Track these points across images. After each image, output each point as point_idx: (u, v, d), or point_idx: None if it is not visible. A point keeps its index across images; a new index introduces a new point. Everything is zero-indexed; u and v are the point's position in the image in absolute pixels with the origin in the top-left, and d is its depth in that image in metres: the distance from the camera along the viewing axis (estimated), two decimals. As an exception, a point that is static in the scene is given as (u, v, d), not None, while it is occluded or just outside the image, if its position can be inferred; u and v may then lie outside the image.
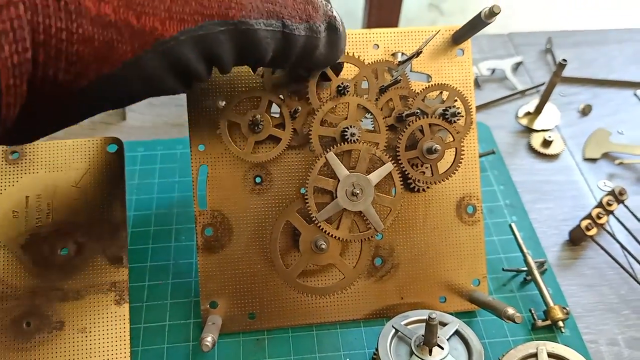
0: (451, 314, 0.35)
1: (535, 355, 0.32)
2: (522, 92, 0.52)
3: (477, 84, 0.53)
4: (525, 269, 0.38)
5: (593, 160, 0.47)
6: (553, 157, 0.47)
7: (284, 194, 0.35)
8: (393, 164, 0.33)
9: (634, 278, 0.38)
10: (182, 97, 0.54)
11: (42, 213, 0.35)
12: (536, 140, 0.48)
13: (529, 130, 0.49)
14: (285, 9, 0.23)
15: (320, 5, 0.24)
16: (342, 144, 0.33)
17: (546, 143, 0.47)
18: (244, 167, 0.35)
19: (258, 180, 0.36)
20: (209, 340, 0.30)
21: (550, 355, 0.32)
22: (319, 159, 0.32)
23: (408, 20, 0.76)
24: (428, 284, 0.37)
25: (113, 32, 0.18)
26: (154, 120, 0.50)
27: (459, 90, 0.35)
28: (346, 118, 0.34)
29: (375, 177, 0.32)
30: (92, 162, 0.36)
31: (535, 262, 0.38)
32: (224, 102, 0.34)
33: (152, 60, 0.20)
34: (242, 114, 0.34)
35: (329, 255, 0.33)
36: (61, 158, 0.36)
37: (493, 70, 0.54)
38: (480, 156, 0.45)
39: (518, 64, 0.55)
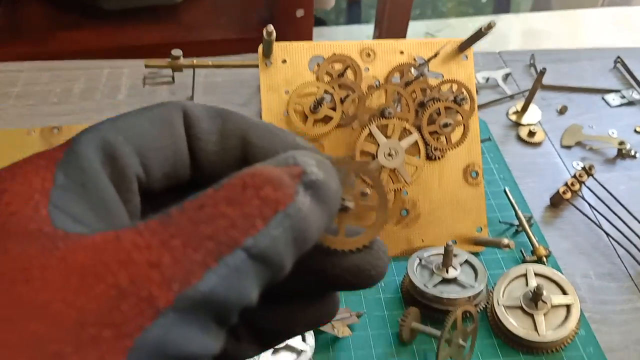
0: (461, 252, 0.46)
1: (525, 275, 0.43)
2: (511, 97, 0.65)
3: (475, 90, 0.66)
4: (517, 223, 0.50)
5: (568, 147, 0.59)
6: (537, 144, 0.59)
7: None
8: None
9: (599, 227, 0.50)
10: (238, 99, 0.65)
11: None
12: (523, 131, 0.60)
13: (517, 125, 0.61)
14: (233, 228, 0.14)
15: (282, 177, 0.15)
16: (381, 120, 0.44)
17: (531, 134, 0.59)
18: (302, 141, 0.47)
19: (313, 150, 0.47)
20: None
21: (536, 274, 0.43)
22: (364, 130, 0.44)
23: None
24: (442, 230, 0.48)
25: None
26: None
27: (465, 84, 0.47)
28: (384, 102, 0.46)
29: (405, 143, 0.44)
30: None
31: (524, 216, 0.49)
32: (289, 91, 0.46)
33: None
34: (304, 98, 0.46)
35: (371, 200, 0.44)
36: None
37: (487, 79, 0.67)
38: (480, 142, 0.56)
39: (507, 75, 0.68)
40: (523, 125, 0.61)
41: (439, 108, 0.45)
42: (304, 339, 0.40)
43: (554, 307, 0.41)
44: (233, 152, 0.18)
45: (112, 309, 0.13)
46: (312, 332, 0.40)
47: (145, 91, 0.65)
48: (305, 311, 0.19)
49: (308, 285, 0.19)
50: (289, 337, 0.20)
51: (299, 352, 0.40)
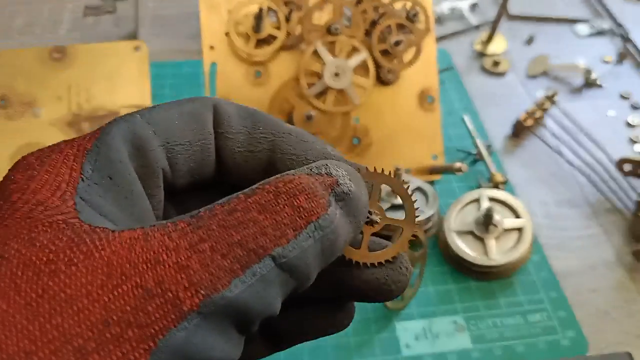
0: (415, 181, 0.44)
1: (478, 200, 0.41)
2: (477, 27, 0.62)
3: (440, 20, 0.62)
4: (475, 152, 0.47)
5: (534, 77, 0.56)
6: (500, 74, 0.56)
7: (279, 85, 0.44)
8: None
9: (560, 155, 0.48)
10: (187, 30, 0.61)
11: (80, 98, 0.42)
12: (487, 62, 0.57)
13: (482, 55, 0.58)
14: (264, 237, 0.14)
15: (316, 187, 0.15)
16: (327, 37, 0.41)
17: (495, 64, 0.57)
18: (246, 64, 0.44)
19: (258, 74, 0.44)
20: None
21: (490, 199, 0.41)
22: (309, 48, 0.41)
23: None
24: (396, 159, 0.45)
25: None
26: (162, 47, 0.57)
27: (419, 0, 0.44)
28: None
29: (353, 62, 0.41)
30: (123, 59, 0.44)
31: (483, 144, 0.47)
32: (231, 11, 0.43)
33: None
34: (247, 18, 0.42)
35: (317, 124, 0.41)
36: (96, 57, 0.43)
37: (453, 10, 0.63)
38: (440, 72, 0.54)
39: (474, 5, 0.64)
40: (488, 55, 0.58)
41: (390, 25, 0.42)
42: None
43: (505, 230, 0.39)
44: (260, 155, 0.18)
45: (137, 309, 0.13)
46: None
47: (87, 25, 0.60)
48: (319, 318, 0.19)
49: (325, 293, 0.18)
50: (301, 341, 0.20)
51: None
